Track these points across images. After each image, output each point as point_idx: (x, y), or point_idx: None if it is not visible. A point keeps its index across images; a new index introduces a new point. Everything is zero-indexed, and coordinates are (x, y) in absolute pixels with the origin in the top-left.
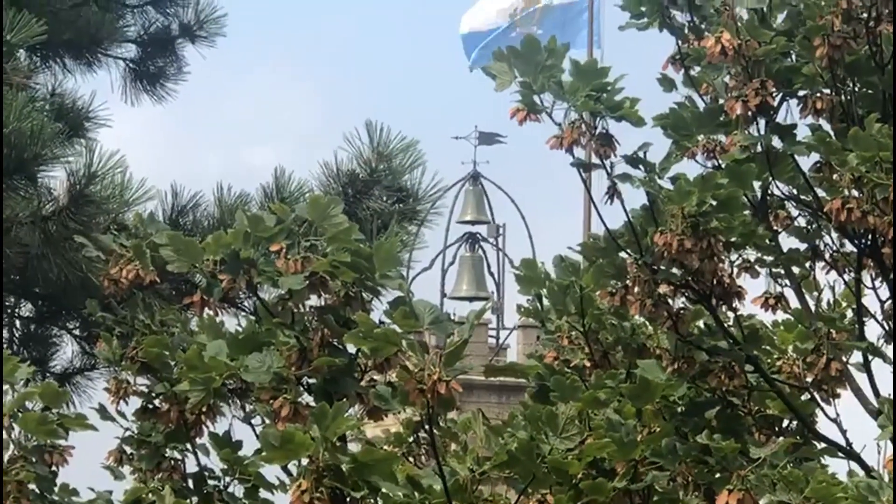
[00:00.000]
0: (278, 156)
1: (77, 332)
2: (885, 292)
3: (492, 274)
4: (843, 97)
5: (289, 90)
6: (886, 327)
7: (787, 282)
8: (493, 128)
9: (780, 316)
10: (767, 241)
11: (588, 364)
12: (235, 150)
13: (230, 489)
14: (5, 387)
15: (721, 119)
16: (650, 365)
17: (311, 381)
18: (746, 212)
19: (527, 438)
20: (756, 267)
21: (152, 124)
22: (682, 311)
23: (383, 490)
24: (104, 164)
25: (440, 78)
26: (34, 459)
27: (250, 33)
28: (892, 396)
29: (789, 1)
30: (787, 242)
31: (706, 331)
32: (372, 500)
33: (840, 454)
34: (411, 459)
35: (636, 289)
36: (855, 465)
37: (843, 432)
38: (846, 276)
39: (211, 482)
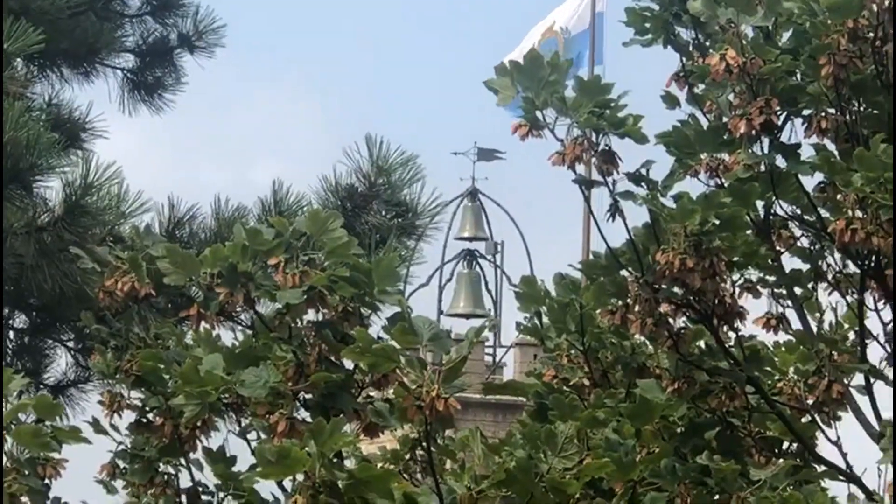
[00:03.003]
0: (277, 169)
1: (71, 344)
2: (887, 314)
3: (489, 291)
4: (847, 117)
5: (289, 104)
6: (889, 350)
7: (790, 302)
8: (492, 144)
9: (782, 337)
10: (770, 261)
11: (587, 383)
12: (234, 162)
13: None
14: None
15: (725, 137)
16: (650, 385)
17: (308, 396)
18: (749, 231)
19: (525, 457)
20: (758, 287)
21: (150, 135)
22: (682, 331)
23: None
24: (100, 175)
25: (441, 94)
26: (27, 472)
27: (251, 47)
28: (893, 419)
29: (795, 19)
30: (790, 263)
31: (707, 351)
32: None
33: (840, 477)
34: (408, 477)
35: (637, 307)
36: (855, 489)
37: (844, 455)
38: (849, 298)
39: (205, 498)
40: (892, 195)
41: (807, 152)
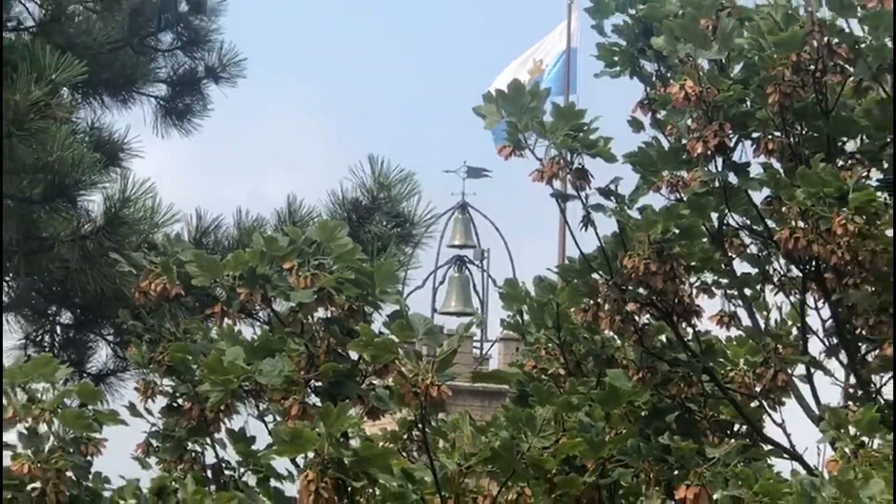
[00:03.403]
0: (291, 185)
1: (111, 338)
2: (826, 312)
3: (477, 292)
4: (791, 139)
5: (301, 128)
6: (827, 343)
7: (740, 302)
8: (480, 163)
9: (734, 332)
10: (723, 265)
11: (563, 372)
12: (253, 179)
13: (244, 479)
14: (47, 385)
15: (683, 157)
16: (618, 374)
17: (318, 384)
18: (705, 239)
19: (508, 437)
20: (713, 288)
21: (180, 155)
22: (646, 327)
23: (380, 481)
24: (136, 190)
25: (435, 119)
26: (72, 450)
27: (268, 76)
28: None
29: (745, 53)
30: (741, 267)
31: (668, 344)
32: (370, 490)
33: (785, 455)
34: (405, 454)
35: (606, 306)
36: (798, 466)
37: (788, 436)
38: (792, 298)
39: (227, 472)
40: (830, 208)
41: (755, 170)
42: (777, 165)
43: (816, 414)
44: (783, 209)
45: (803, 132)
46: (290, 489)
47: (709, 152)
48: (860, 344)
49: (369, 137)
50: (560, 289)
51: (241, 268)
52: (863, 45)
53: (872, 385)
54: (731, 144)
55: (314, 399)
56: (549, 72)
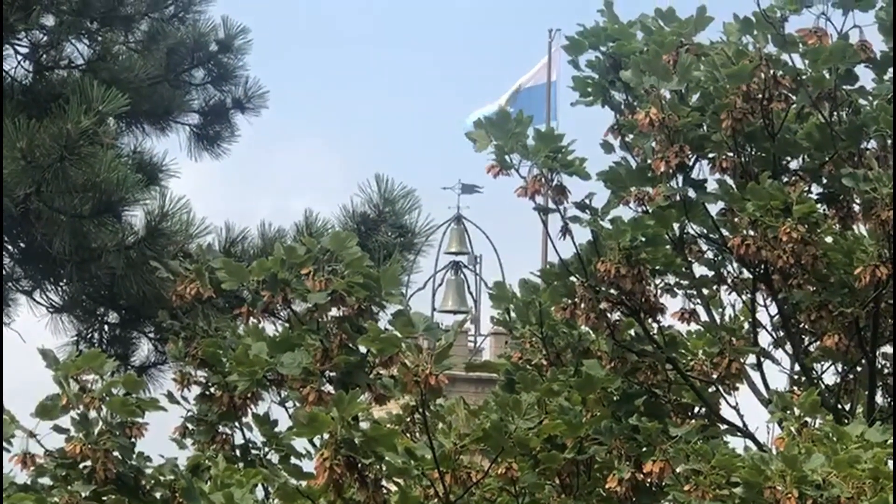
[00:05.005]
0: (308, 200)
1: (151, 335)
2: (773, 309)
3: (471, 293)
4: (742, 159)
5: (316, 153)
6: (774, 336)
7: (699, 300)
8: (473, 180)
9: (693, 327)
10: (684, 269)
11: (545, 363)
12: (275, 195)
13: (268, 457)
14: (95, 376)
15: (649, 175)
16: (593, 364)
17: (332, 374)
18: (668, 247)
19: (497, 419)
20: (675, 289)
21: (211, 175)
22: (617, 322)
23: (387, 458)
24: (173, 206)
25: (434, 142)
26: (118, 433)
27: (289, 108)
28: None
29: (702, 84)
30: (699, 270)
31: (636, 337)
32: (378, 466)
33: (739, 434)
34: (408, 435)
35: (583, 305)
36: (750, 443)
37: (741, 417)
38: (744, 297)
39: (254, 452)
40: (776, 218)
41: (711, 186)
42: (730, 182)
43: (766, 397)
44: (735, 220)
45: (752, 152)
46: (308, 466)
47: (671, 170)
48: (803, 336)
49: (376, 158)
50: (542, 290)
51: (265, 273)
52: (804, 77)
53: (814, 372)
54: (690, 163)
55: (329, 387)
56: (524, 93)
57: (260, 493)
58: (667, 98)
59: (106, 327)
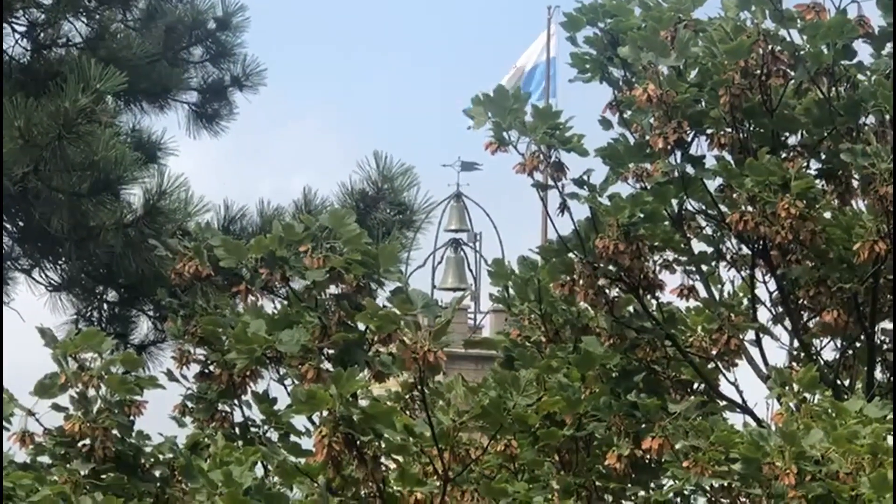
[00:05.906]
0: (306, 178)
1: (150, 313)
2: (772, 285)
3: (471, 270)
4: (741, 135)
5: (317, 131)
6: (773, 312)
7: (697, 277)
8: (472, 157)
9: (692, 303)
10: (682, 245)
11: (544, 339)
12: (274, 173)
13: (268, 435)
14: (95, 354)
15: (647, 151)
16: (591, 340)
17: (331, 351)
18: (666, 223)
19: (496, 396)
20: (673, 265)
21: (209, 153)
22: (616, 299)
23: (385, 435)
24: (172, 184)
25: (433, 119)
26: (116, 411)
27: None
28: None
29: (700, 60)
30: (698, 246)
31: (635, 314)
32: (376, 444)
33: (737, 410)
34: (407, 412)
35: (581, 282)
36: (749, 419)
37: (740, 393)
38: (743, 273)
39: (253, 429)
40: (775, 194)
41: (710, 162)
42: (728, 158)
43: (765, 373)
44: (734, 195)
45: (751, 128)
46: (307, 443)
47: (669, 147)
48: (802, 312)
49: (376, 135)
50: (541, 267)
51: (263, 251)
52: (802, 52)
53: (813, 348)
54: (688, 140)
55: (327, 365)
56: (528, 75)
57: (259, 470)
58: (665, 74)
59: (105, 306)
